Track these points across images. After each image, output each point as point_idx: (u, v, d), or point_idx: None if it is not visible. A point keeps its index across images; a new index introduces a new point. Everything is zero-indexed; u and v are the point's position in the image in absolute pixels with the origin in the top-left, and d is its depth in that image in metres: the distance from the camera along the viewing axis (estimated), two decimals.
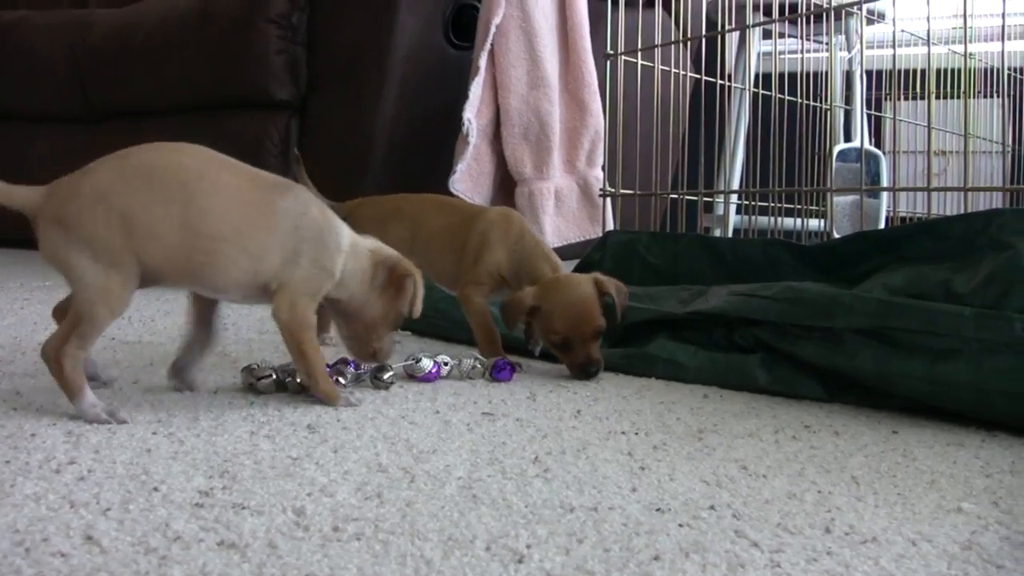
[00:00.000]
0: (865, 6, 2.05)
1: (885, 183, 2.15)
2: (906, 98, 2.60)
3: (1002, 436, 0.94)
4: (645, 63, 1.94)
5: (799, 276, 1.29)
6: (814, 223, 2.25)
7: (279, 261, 0.95)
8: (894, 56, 1.56)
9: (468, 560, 0.59)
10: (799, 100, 2.09)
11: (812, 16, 2.11)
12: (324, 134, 2.35)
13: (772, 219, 2.11)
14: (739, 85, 2.35)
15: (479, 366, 1.18)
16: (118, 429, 0.87)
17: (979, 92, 2.63)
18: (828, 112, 2.28)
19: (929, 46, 1.59)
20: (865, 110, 2.31)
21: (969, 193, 1.40)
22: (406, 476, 0.76)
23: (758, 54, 2.44)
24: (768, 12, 2.18)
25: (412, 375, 1.14)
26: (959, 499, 0.74)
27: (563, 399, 1.07)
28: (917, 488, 0.76)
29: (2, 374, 1.11)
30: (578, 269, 1.54)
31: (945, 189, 2.35)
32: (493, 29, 2.17)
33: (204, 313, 1.03)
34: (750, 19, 2.18)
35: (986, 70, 2.58)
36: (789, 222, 2.19)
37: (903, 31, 2.12)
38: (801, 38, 2.05)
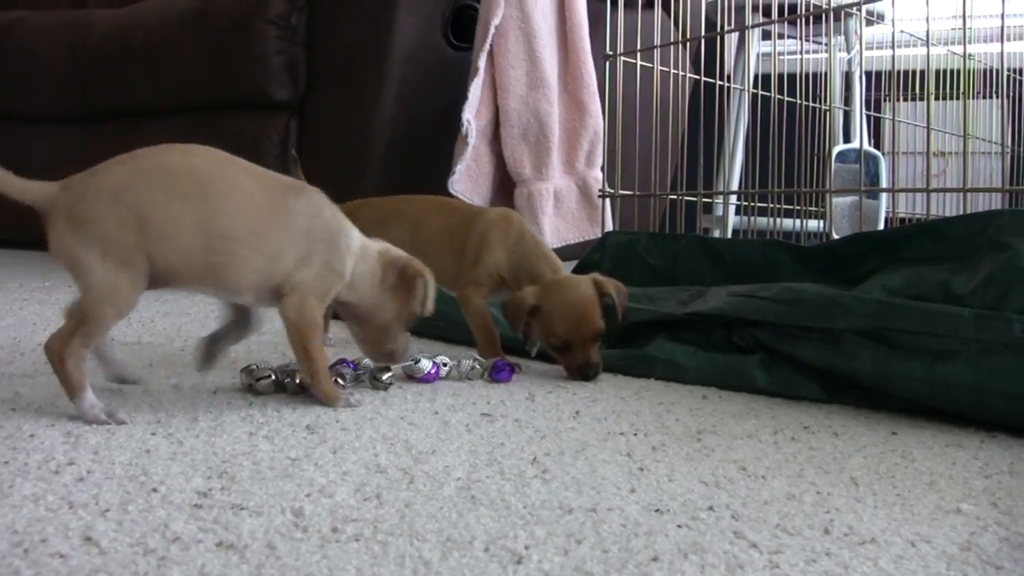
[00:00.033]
0: (864, 7, 2.05)
1: (884, 184, 2.15)
2: (905, 99, 2.60)
3: (1001, 437, 0.94)
4: (644, 64, 1.94)
5: (798, 277, 1.30)
6: (813, 224, 2.25)
7: (292, 262, 0.95)
8: (893, 57, 1.56)
9: (467, 561, 0.59)
10: (798, 101, 2.09)
11: (811, 17, 2.11)
12: (323, 135, 2.35)
13: (771, 220, 2.11)
14: (738, 86, 2.35)
15: (478, 367, 1.18)
16: (117, 430, 0.87)
17: (978, 93, 2.64)
18: (827, 113, 2.28)
19: (928, 47, 1.60)
20: (864, 111, 2.31)
21: (968, 194, 1.40)
22: (405, 477, 0.76)
23: (757, 55, 2.44)
24: (767, 13, 2.18)
25: (411, 376, 1.14)
26: (958, 500, 0.74)
27: (562, 400, 1.07)
28: (916, 489, 0.76)
29: (1, 375, 1.11)
30: (577, 270, 1.54)
31: (944, 190, 2.35)
32: (492, 30, 2.17)
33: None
34: (749, 20, 2.18)
35: (985, 71, 2.59)
36: (788, 223, 2.19)
37: (902, 32, 2.12)
38: (800, 39, 2.05)
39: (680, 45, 2.04)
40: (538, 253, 1.28)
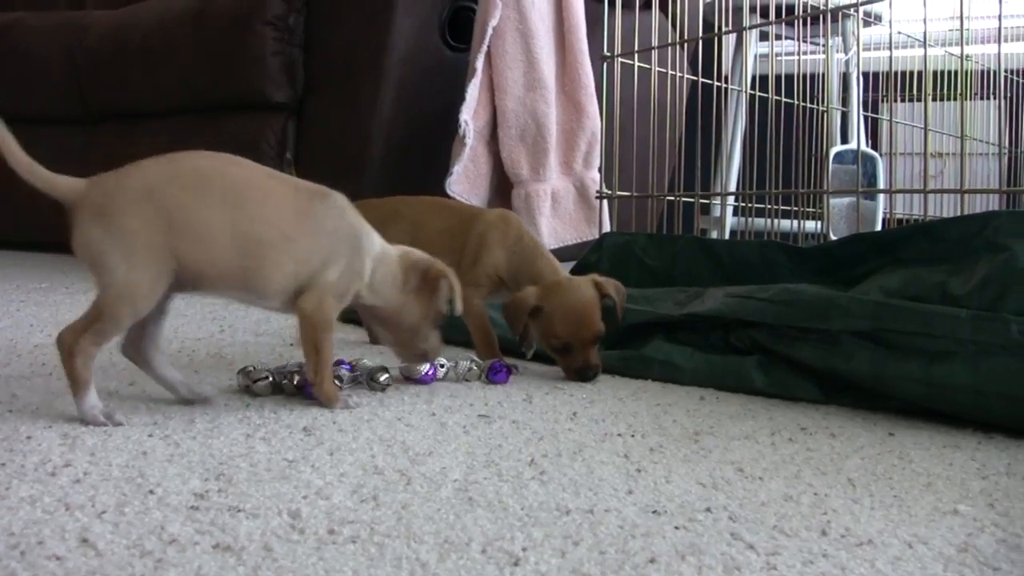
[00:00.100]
0: (862, 8, 2.05)
1: (882, 185, 2.16)
2: (902, 100, 2.61)
3: (998, 438, 0.94)
4: (642, 65, 1.94)
5: (795, 278, 1.29)
6: (811, 225, 2.25)
7: (319, 265, 0.96)
8: (891, 58, 1.56)
9: (464, 563, 0.59)
10: (796, 102, 2.10)
11: (809, 18, 2.12)
12: (321, 136, 2.35)
13: (769, 221, 2.11)
14: (736, 87, 2.36)
15: (475, 368, 1.18)
16: (114, 431, 0.87)
17: (976, 94, 2.64)
18: (825, 114, 2.28)
19: (926, 48, 1.60)
20: (862, 112, 2.31)
21: (965, 195, 1.40)
22: (402, 479, 0.76)
23: (755, 56, 2.44)
24: (765, 14, 2.19)
25: (408, 377, 1.14)
26: (955, 501, 0.74)
27: (559, 401, 1.07)
28: (913, 490, 0.76)
29: None
30: (575, 271, 1.54)
31: (941, 191, 2.35)
32: (490, 31, 2.17)
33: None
34: (747, 21, 2.18)
35: (983, 72, 2.59)
36: (786, 224, 2.19)
37: (900, 33, 2.12)
38: (798, 40, 2.06)
39: (678, 46, 2.04)
40: (537, 254, 1.28)
